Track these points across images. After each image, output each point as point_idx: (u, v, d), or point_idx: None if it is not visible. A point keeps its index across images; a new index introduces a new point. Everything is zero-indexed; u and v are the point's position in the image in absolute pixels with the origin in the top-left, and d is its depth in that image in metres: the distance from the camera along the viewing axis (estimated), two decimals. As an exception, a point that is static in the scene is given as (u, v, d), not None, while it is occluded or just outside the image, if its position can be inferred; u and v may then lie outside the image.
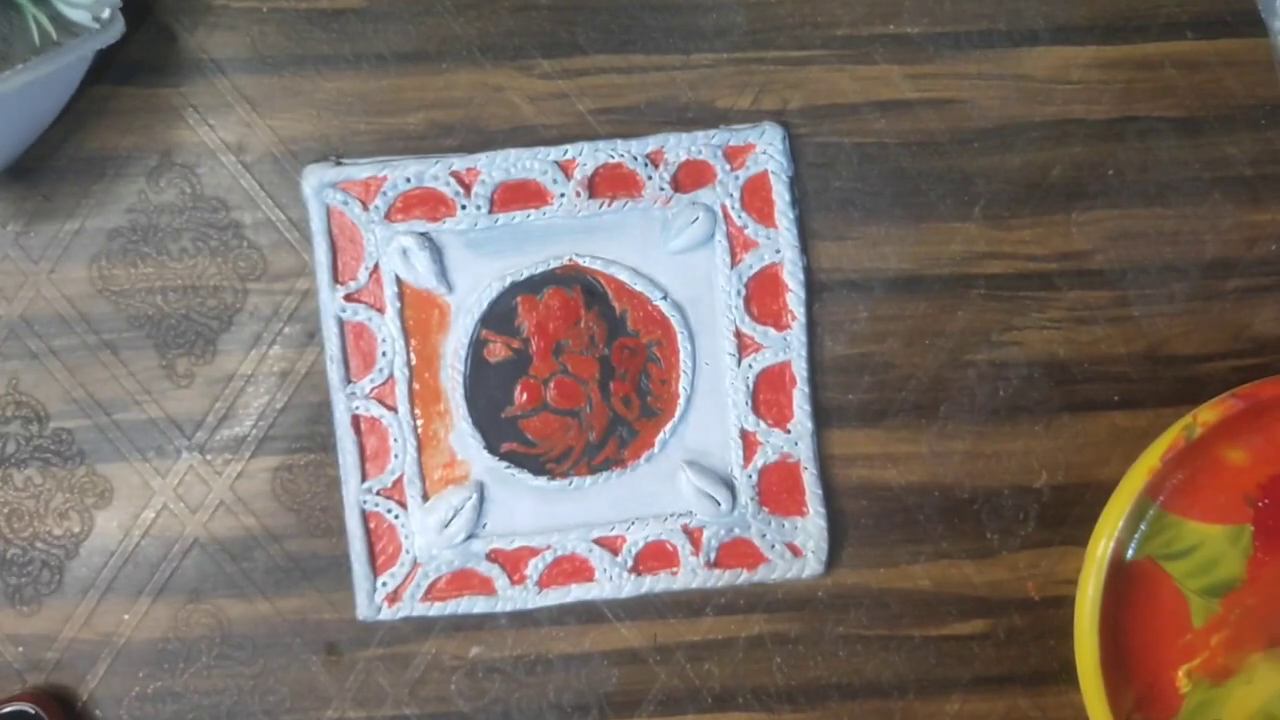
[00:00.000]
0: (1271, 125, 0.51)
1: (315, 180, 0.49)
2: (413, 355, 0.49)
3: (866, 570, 0.51)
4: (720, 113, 0.50)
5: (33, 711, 0.47)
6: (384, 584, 0.50)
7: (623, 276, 0.49)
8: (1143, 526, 0.48)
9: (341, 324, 0.49)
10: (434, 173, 0.49)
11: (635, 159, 0.49)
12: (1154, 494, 0.48)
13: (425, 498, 0.50)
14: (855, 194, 0.51)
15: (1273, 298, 0.52)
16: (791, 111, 0.50)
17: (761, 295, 0.50)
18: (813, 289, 0.50)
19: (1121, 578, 0.48)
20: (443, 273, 0.49)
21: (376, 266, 0.49)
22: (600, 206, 0.49)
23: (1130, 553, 0.48)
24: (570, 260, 0.49)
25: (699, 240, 0.49)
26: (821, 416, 0.51)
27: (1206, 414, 0.48)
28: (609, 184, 0.50)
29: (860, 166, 0.51)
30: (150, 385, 0.50)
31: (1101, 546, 0.48)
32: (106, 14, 0.45)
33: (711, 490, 0.49)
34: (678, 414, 0.50)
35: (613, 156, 0.49)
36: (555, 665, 0.51)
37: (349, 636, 0.50)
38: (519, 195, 0.49)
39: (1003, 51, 0.51)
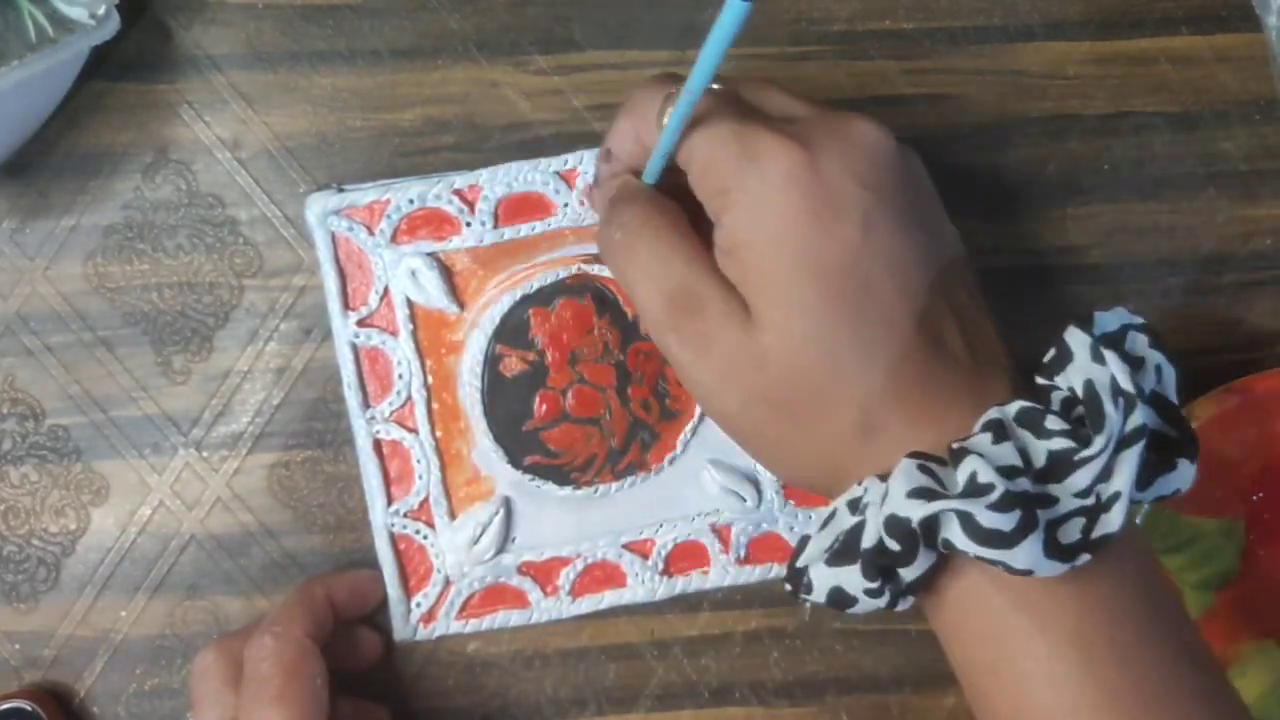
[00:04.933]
0: (1266, 120, 0.52)
1: (319, 209, 0.48)
2: (429, 376, 0.49)
3: (864, 564, 0.51)
4: (717, 108, 0.50)
5: (30, 709, 0.47)
6: (418, 605, 0.49)
7: (633, 282, 0.49)
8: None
9: (356, 350, 0.49)
10: (436, 192, 0.48)
11: (636, 163, 0.49)
12: (1149, 488, 0.48)
13: (452, 516, 0.49)
14: (852, 189, 0.51)
15: (1267, 292, 0.52)
16: (788, 107, 0.50)
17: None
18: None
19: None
20: (453, 291, 0.49)
21: (386, 290, 0.49)
22: (605, 213, 0.49)
23: (1126, 547, 0.48)
24: (579, 270, 0.49)
25: (705, 238, 0.49)
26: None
27: (1202, 408, 0.48)
28: (612, 190, 0.49)
29: (857, 162, 0.51)
30: (146, 382, 0.49)
31: (1098, 541, 0.48)
32: (102, 10, 0.45)
33: (736, 487, 0.49)
34: (697, 414, 0.49)
35: None
36: (552, 660, 0.51)
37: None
38: (523, 208, 0.49)
39: (998, 46, 0.51)
